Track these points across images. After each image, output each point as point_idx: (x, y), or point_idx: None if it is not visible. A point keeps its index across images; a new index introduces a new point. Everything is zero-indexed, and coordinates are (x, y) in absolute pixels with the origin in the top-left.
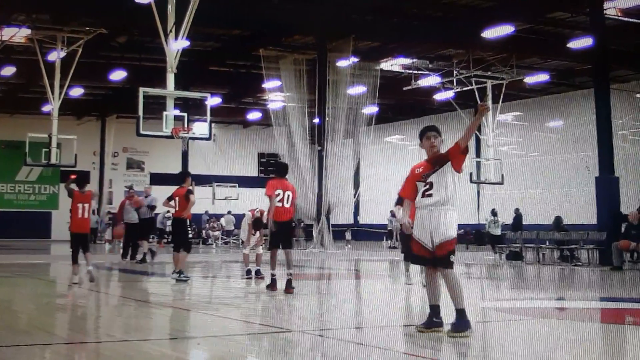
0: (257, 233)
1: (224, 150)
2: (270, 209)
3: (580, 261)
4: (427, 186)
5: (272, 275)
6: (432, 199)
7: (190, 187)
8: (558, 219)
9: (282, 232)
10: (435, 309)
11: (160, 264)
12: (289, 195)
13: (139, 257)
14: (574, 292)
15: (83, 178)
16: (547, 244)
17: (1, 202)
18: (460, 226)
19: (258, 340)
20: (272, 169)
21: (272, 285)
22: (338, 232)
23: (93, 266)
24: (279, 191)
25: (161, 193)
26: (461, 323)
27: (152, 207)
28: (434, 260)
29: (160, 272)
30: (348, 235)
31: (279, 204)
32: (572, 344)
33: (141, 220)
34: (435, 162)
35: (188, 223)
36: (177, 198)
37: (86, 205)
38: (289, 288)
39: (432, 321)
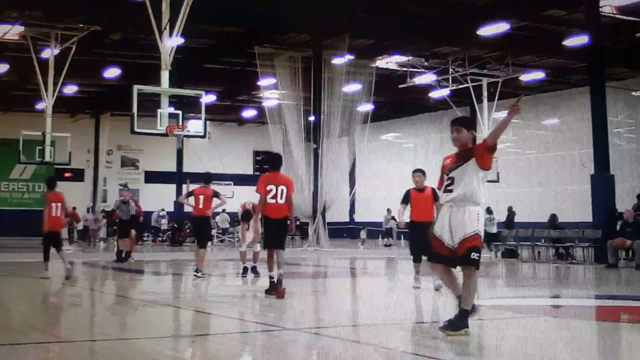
0: (250, 230)
1: (219, 148)
2: (258, 207)
3: (576, 259)
4: (449, 181)
5: (270, 277)
6: (451, 194)
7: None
8: (553, 217)
9: (276, 231)
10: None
11: (155, 262)
12: (282, 190)
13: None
14: (569, 289)
15: (53, 179)
16: (543, 241)
17: None
18: None
19: (254, 338)
20: (266, 167)
21: (271, 289)
22: (333, 231)
23: (69, 264)
24: (271, 186)
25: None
26: (460, 321)
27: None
28: (454, 259)
29: (154, 271)
30: (363, 234)
31: (272, 201)
32: (567, 342)
33: (123, 221)
34: (461, 156)
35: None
36: (201, 197)
37: (59, 204)
38: (279, 288)
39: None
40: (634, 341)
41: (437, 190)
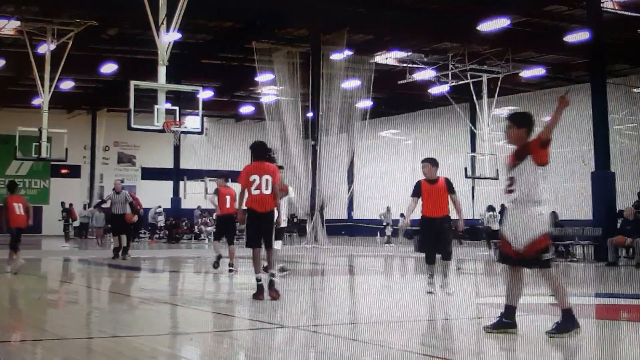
0: None
1: (216, 144)
2: (239, 200)
3: (576, 257)
4: (509, 181)
5: (257, 280)
6: (512, 195)
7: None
8: (553, 215)
9: (263, 227)
10: (510, 310)
11: (152, 259)
12: (267, 180)
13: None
14: (569, 287)
15: (14, 184)
16: None
17: None
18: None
19: (251, 335)
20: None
21: (257, 294)
22: (331, 228)
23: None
24: (254, 176)
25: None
26: (566, 323)
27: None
28: (521, 261)
29: (150, 268)
30: (388, 231)
31: (257, 192)
32: (566, 340)
33: (115, 216)
34: (518, 155)
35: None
36: (227, 197)
37: (20, 204)
38: (272, 291)
39: (502, 322)
40: (634, 339)
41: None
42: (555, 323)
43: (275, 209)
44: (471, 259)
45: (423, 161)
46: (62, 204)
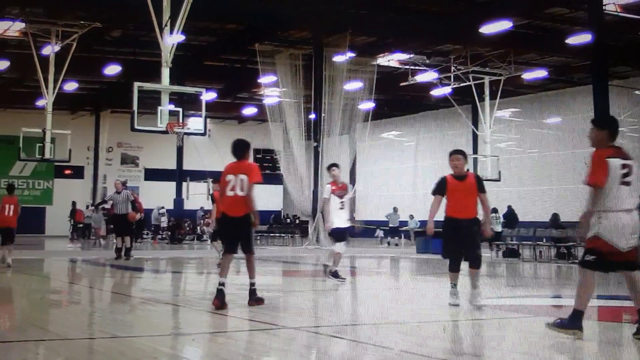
0: None
1: (219, 146)
2: (217, 208)
3: (577, 258)
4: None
5: (219, 284)
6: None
7: None
8: (555, 216)
9: (234, 232)
10: None
11: (155, 260)
12: (242, 180)
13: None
14: (571, 289)
15: (12, 186)
16: (544, 241)
17: None
18: None
19: (253, 337)
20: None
21: (216, 299)
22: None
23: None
24: (230, 176)
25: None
26: (571, 322)
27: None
28: (627, 264)
29: (153, 269)
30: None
31: (231, 193)
32: (569, 342)
33: (117, 216)
34: (620, 152)
35: None
36: None
37: (12, 205)
38: (251, 300)
39: None
40: (635, 341)
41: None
42: (559, 318)
43: (251, 213)
44: None
45: (453, 153)
46: (73, 203)
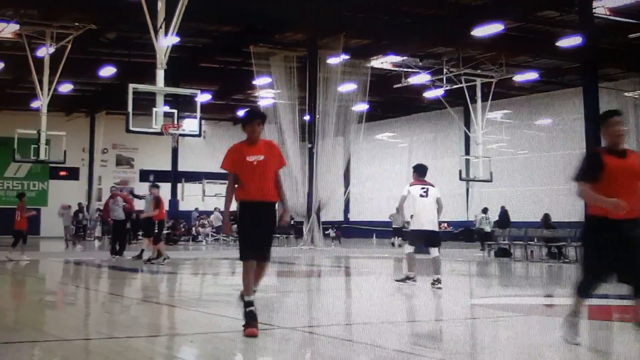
0: None
1: (214, 147)
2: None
3: (568, 258)
4: None
5: (248, 304)
6: None
7: None
8: (546, 217)
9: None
10: None
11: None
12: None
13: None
14: (562, 289)
15: (20, 194)
16: (536, 241)
17: None
18: (449, 223)
19: (249, 337)
20: None
21: (250, 326)
22: (327, 229)
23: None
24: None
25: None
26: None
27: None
28: None
29: (148, 269)
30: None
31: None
32: (560, 341)
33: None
34: None
35: None
36: None
37: (18, 212)
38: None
39: None
40: (625, 340)
41: None
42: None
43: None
44: (465, 260)
45: (609, 115)
46: (79, 204)
